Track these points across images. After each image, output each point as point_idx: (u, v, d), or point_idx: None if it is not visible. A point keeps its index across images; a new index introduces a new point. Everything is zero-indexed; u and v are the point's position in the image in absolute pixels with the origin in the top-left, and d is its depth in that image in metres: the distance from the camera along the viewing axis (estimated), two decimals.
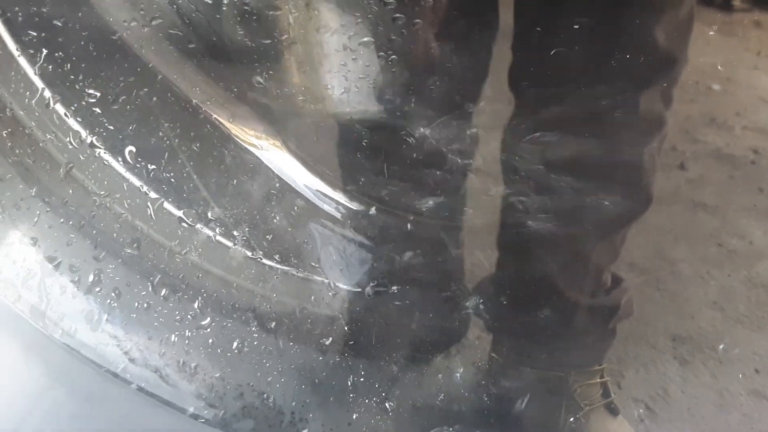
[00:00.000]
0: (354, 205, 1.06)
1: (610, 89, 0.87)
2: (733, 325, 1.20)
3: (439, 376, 1.08)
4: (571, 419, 1.01)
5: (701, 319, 1.21)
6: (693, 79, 1.48)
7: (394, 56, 0.88)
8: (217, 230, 0.98)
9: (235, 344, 0.96)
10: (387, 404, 0.99)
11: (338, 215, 1.07)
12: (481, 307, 1.10)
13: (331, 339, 1.01)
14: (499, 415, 1.04)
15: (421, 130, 0.97)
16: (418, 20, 0.84)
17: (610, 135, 0.89)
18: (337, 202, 1.07)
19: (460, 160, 1.03)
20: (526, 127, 0.93)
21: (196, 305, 0.94)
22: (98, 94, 0.91)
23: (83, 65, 0.91)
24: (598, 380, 1.03)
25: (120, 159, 0.92)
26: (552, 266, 1.00)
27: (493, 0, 0.88)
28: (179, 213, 0.96)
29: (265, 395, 0.95)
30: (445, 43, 0.90)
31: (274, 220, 1.02)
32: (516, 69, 0.91)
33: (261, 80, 0.94)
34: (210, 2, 0.89)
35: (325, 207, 1.07)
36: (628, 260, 1.25)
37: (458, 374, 1.09)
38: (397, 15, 0.84)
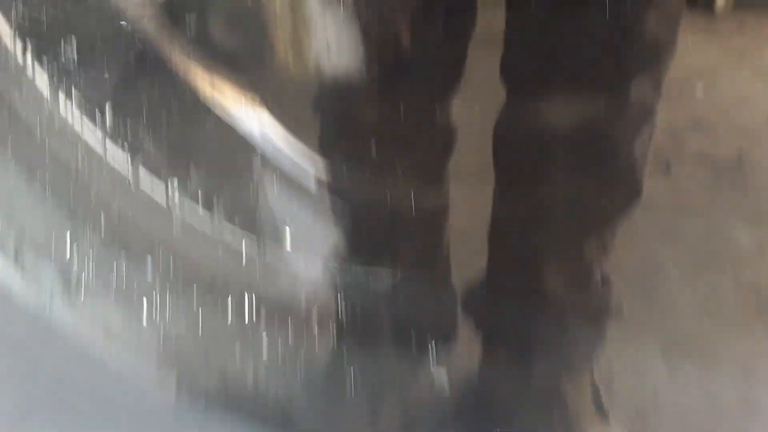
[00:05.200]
0: (335, 176, 1.02)
1: (601, 76, 0.86)
2: (722, 328, 1.19)
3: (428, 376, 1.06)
4: (561, 421, 0.99)
5: (689, 322, 1.20)
6: (676, 81, 1.46)
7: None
8: (195, 203, 0.95)
9: (216, 326, 0.93)
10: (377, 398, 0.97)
11: (319, 185, 1.03)
12: (471, 306, 1.09)
13: (316, 323, 0.98)
14: (489, 416, 1.02)
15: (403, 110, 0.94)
16: None
17: (601, 123, 0.88)
18: (319, 171, 1.03)
19: (441, 146, 1.00)
20: (519, 117, 0.92)
21: (174, 282, 0.91)
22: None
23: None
24: (588, 382, 1.02)
25: (98, 120, 0.89)
26: (543, 265, 0.99)
27: None
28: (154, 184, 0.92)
29: (250, 377, 0.92)
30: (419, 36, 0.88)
31: (249, 195, 0.99)
32: (508, 59, 0.89)
33: (241, 38, 0.91)
34: None
35: (306, 175, 1.03)
36: (615, 263, 1.24)
37: (448, 375, 1.07)
38: None
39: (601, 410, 1.02)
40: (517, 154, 0.96)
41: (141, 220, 0.93)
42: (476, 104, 1.01)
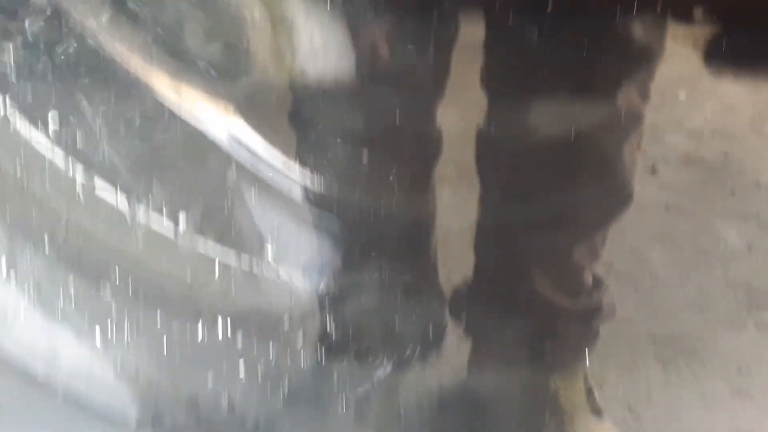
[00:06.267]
0: (316, 186, 0.97)
1: (587, 83, 0.86)
2: (714, 325, 1.19)
3: (417, 383, 1.05)
4: (555, 422, 0.98)
5: (681, 320, 1.20)
6: (659, 88, 1.47)
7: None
8: (162, 216, 0.88)
9: (185, 346, 0.87)
10: (364, 412, 0.94)
11: (298, 196, 0.98)
12: (459, 312, 1.08)
13: (301, 337, 0.94)
14: (481, 421, 1.01)
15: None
16: None
17: (588, 130, 0.87)
18: (297, 182, 0.96)
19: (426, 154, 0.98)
20: (502, 126, 0.91)
21: (135, 300, 0.85)
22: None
23: None
24: (582, 382, 1.01)
25: (41, 128, 0.82)
26: (533, 268, 0.98)
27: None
28: (113, 194, 0.85)
29: (225, 402, 0.87)
30: (401, 42, 0.86)
31: (224, 204, 0.93)
32: (489, 67, 0.89)
33: (210, 34, 0.85)
34: None
35: (283, 187, 0.97)
36: (605, 262, 1.24)
37: (437, 381, 1.06)
38: None
39: (595, 409, 1.01)
40: (500, 162, 0.96)
41: (97, 233, 0.85)
42: (461, 110, 1.01)
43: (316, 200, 0.97)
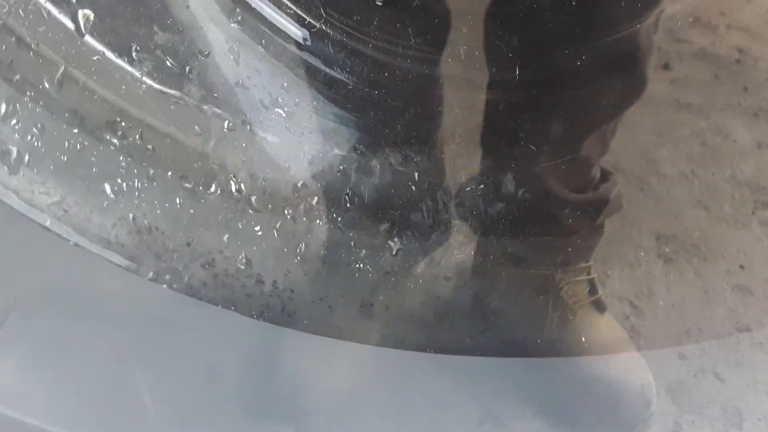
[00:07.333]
0: (332, 37, 0.89)
1: None
2: (718, 223, 1.19)
3: (423, 278, 1.06)
4: (557, 316, 1.00)
5: (685, 218, 1.20)
6: None
7: None
8: (167, 61, 0.82)
9: (199, 205, 0.84)
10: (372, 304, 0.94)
11: (307, 44, 0.89)
12: (465, 209, 1.07)
13: (316, 199, 0.92)
14: (486, 316, 1.02)
15: None
16: None
17: (603, 6, 0.83)
18: (309, 31, 0.86)
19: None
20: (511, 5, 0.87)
21: (144, 156, 0.80)
22: None
23: None
24: (585, 277, 1.02)
25: None
26: (540, 161, 0.96)
27: None
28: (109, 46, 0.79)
29: (241, 260, 0.86)
30: None
31: (230, 60, 0.86)
32: None
33: None
34: None
35: (296, 35, 0.86)
36: (612, 162, 1.23)
37: (443, 278, 1.06)
38: None
39: (597, 305, 1.02)
40: (509, 38, 0.91)
41: (97, 87, 0.80)
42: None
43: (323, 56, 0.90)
